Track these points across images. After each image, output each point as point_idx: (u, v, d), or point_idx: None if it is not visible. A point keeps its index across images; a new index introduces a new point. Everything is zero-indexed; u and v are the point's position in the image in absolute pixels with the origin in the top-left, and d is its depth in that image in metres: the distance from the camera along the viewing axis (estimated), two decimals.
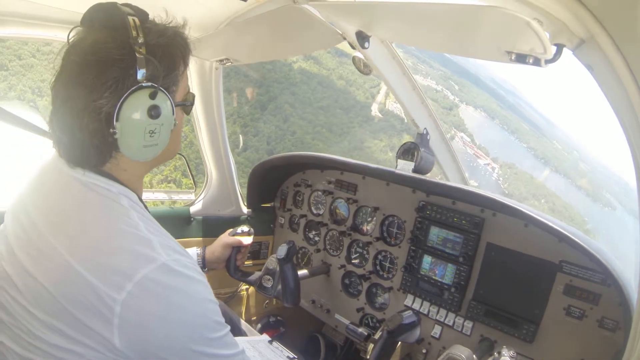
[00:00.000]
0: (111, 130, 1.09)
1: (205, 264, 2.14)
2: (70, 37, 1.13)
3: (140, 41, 1.07)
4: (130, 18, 1.08)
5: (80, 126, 1.08)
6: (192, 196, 2.84)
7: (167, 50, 1.16)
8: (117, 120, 1.08)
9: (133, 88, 1.08)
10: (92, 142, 1.11)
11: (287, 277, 2.18)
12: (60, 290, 1.06)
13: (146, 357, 1.10)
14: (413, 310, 1.88)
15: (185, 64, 1.24)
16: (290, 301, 2.20)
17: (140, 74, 1.08)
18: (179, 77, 1.22)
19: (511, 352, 1.64)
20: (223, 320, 1.19)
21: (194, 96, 1.33)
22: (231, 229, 2.25)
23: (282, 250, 2.16)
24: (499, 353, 1.65)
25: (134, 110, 1.09)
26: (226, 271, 2.27)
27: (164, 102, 1.14)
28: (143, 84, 1.09)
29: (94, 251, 1.08)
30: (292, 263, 2.19)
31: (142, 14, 1.14)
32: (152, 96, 1.11)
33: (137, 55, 1.07)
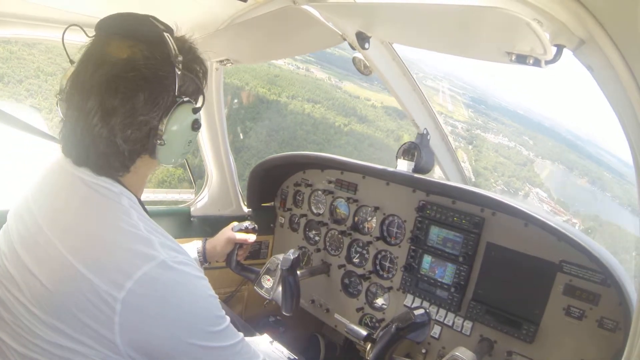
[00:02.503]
0: (158, 141, 1.16)
1: (206, 258, 2.14)
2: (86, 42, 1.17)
3: (179, 59, 1.14)
4: (166, 35, 1.14)
5: (123, 137, 1.13)
6: (192, 196, 2.84)
7: (196, 67, 1.25)
8: (164, 132, 1.16)
9: (178, 103, 1.16)
10: (126, 152, 1.16)
11: (289, 287, 2.16)
12: (60, 289, 1.07)
13: (148, 354, 1.11)
14: (424, 309, 1.85)
15: (206, 79, 1.32)
16: (289, 310, 2.19)
17: (179, 89, 1.16)
18: (203, 89, 1.31)
19: None
20: (223, 313, 1.21)
21: (204, 100, 1.38)
22: (235, 223, 2.24)
23: (286, 260, 2.14)
24: None
25: (178, 123, 1.18)
26: (226, 268, 2.27)
27: (199, 115, 1.25)
28: (184, 99, 1.18)
29: (94, 250, 1.09)
30: (295, 275, 2.18)
31: (169, 29, 1.20)
32: (195, 111, 1.22)
33: (177, 71, 1.14)
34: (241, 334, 1.27)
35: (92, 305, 1.04)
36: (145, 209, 1.27)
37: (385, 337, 1.83)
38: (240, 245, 2.23)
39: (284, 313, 2.20)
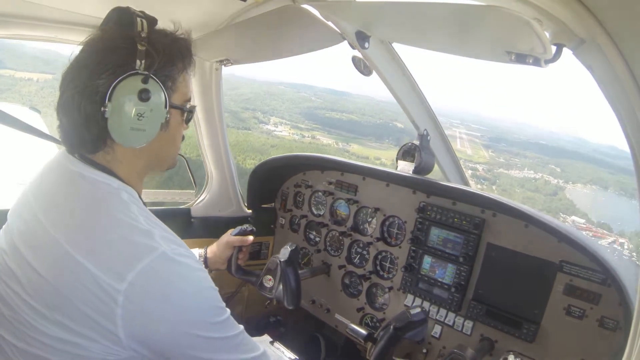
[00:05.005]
0: (102, 109, 1.14)
1: (207, 264, 2.14)
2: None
3: (143, 35, 1.16)
4: (138, 18, 1.18)
5: (79, 107, 1.15)
6: (192, 197, 2.84)
7: (167, 48, 1.22)
8: (109, 100, 1.14)
9: (129, 72, 1.15)
10: (88, 126, 1.16)
11: (288, 279, 2.17)
12: (62, 282, 1.08)
13: (150, 346, 1.11)
14: (421, 308, 1.87)
15: (184, 65, 1.29)
16: (291, 303, 2.19)
17: (139, 63, 1.15)
18: (176, 75, 1.26)
19: None
20: (224, 305, 1.22)
21: (194, 107, 1.37)
22: (233, 229, 2.25)
23: (284, 253, 2.16)
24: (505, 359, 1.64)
25: (125, 92, 1.15)
26: (227, 271, 2.27)
27: (155, 90, 1.19)
28: (139, 71, 1.16)
29: (95, 242, 1.10)
30: (294, 265, 2.18)
31: (151, 20, 1.22)
32: (144, 80, 1.17)
33: (139, 47, 1.15)
34: (241, 327, 1.28)
35: (94, 297, 1.05)
36: (145, 205, 1.28)
37: (384, 338, 1.84)
38: (239, 248, 2.22)
39: (287, 307, 2.19)
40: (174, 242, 1.17)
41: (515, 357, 1.64)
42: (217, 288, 1.22)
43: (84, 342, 1.07)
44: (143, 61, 1.15)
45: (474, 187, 2.55)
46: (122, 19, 1.20)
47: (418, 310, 1.93)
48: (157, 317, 1.08)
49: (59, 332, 1.07)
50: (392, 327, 1.85)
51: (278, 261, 2.19)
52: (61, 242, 1.10)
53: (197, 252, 2.13)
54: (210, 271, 2.16)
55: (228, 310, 1.23)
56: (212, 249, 2.18)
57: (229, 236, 2.20)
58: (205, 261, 2.14)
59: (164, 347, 1.12)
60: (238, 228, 2.23)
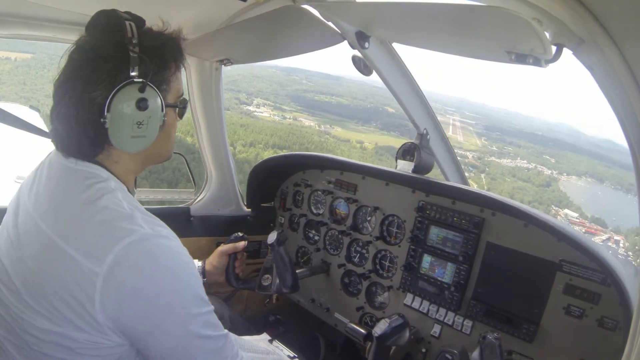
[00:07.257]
0: (102, 120, 1.15)
1: (205, 276, 2.13)
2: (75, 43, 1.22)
3: (134, 42, 1.17)
4: (127, 22, 1.18)
5: (76, 117, 1.17)
6: (192, 196, 2.84)
7: (159, 51, 1.24)
8: (108, 111, 1.15)
9: (125, 82, 1.16)
10: (86, 133, 1.19)
11: (279, 261, 2.15)
12: (45, 270, 1.10)
13: (128, 334, 1.12)
14: (398, 314, 1.92)
15: (177, 66, 1.31)
16: (289, 285, 2.17)
17: (133, 71, 1.16)
18: (170, 77, 1.29)
19: (495, 334, 1.63)
20: (206, 298, 1.22)
21: (186, 101, 1.39)
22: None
23: (272, 237, 2.14)
24: (484, 337, 1.63)
25: (123, 102, 1.17)
26: (227, 283, 2.24)
27: (152, 97, 1.21)
28: (134, 79, 1.17)
29: (77, 227, 1.12)
30: (284, 247, 2.17)
31: (139, 21, 1.23)
32: (141, 89, 1.18)
33: (131, 54, 1.16)
34: (226, 330, 1.27)
35: (75, 283, 1.06)
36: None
37: (371, 350, 1.91)
38: (234, 256, 2.21)
39: (284, 290, 2.17)
40: (158, 225, 1.18)
41: (493, 332, 1.65)
42: (200, 277, 1.23)
43: (69, 332, 1.09)
44: (137, 68, 1.16)
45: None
46: (110, 23, 1.20)
47: (396, 316, 1.99)
48: (134, 298, 1.08)
49: (46, 323, 1.09)
50: (374, 337, 1.90)
51: (268, 245, 2.17)
52: (46, 231, 1.13)
53: (195, 263, 2.11)
54: (209, 285, 2.13)
55: (211, 306, 1.22)
56: (209, 260, 2.17)
57: (221, 246, 2.19)
58: (203, 273, 2.12)
59: (139, 332, 1.12)
60: (229, 237, 2.22)
